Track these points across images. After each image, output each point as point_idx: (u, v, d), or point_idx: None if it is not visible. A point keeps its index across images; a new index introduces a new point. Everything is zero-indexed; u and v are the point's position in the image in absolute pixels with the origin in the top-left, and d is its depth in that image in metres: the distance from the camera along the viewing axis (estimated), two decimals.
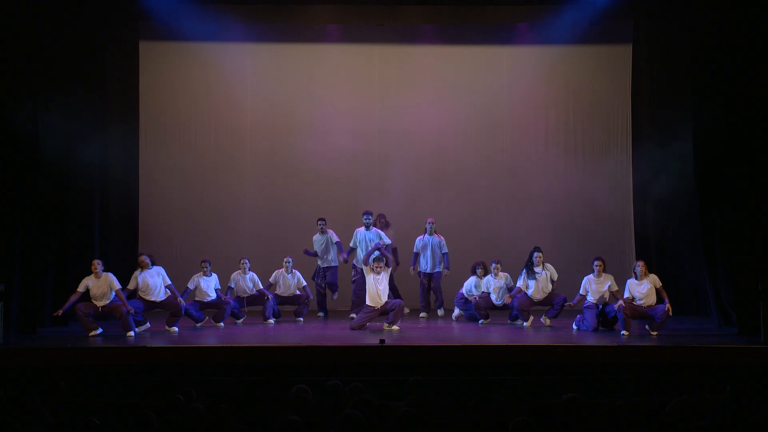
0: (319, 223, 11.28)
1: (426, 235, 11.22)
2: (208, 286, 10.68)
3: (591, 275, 10.10)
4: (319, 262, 11.37)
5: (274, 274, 11.15)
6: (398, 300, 10.23)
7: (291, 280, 11.07)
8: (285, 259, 11.12)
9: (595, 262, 10.09)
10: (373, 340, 8.74)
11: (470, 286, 10.81)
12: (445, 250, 11.21)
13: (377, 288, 10.02)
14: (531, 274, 10.39)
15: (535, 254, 10.46)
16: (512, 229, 12.49)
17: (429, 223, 11.23)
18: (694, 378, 5.90)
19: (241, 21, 12.04)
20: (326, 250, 11.31)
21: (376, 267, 10.00)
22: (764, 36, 9.74)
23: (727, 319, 10.15)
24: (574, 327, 10.05)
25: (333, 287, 11.33)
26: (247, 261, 10.93)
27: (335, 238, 11.26)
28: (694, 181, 10.53)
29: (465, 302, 10.83)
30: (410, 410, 4.94)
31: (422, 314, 11.30)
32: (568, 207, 12.54)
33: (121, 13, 11.43)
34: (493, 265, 10.82)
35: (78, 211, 10.87)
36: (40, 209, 10.16)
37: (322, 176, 12.55)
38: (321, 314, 11.31)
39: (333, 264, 11.33)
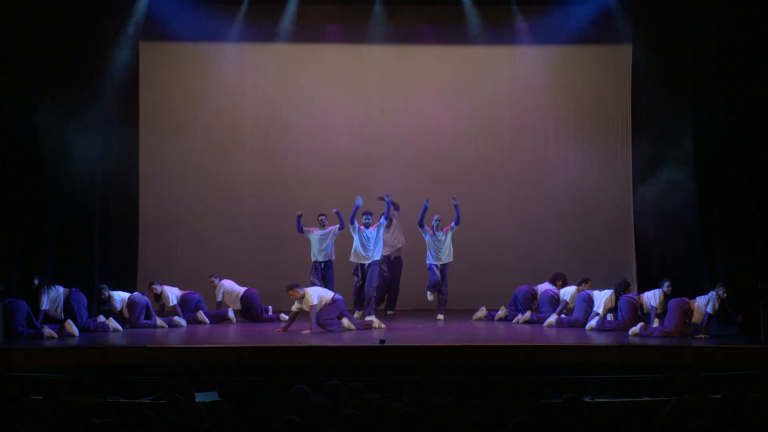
0: (320, 218, 11.04)
1: (434, 231, 11.01)
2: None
3: (657, 291, 9.89)
4: (319, 257, 11.04)
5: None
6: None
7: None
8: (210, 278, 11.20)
9: (666, 283, 9.88)
10: (373, 340, 8.74)
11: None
12: (458, 216, 11.00)
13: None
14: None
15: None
16: (512, 229, 12.49)
17: (435, 220, 11.01)
18: (694, 378, 5.89)
19: (241, 21, 12.03)
20: (325, 244, 11.05)
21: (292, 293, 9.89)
22: (764, 36, 9.75)
23: (727, 319, 10.14)
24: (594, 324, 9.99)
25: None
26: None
27: (330, 227, 11.05)
28: (694, 181, 10.53)
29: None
30: (410, 410, 4.94)
31: (439, 316, 11.03)
32: (568, 207, 12.51)
33: (121, 13, 11.41)
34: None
35: (78, 211, 10.86)
36: (40, 209, 10.16)
37: (321, 176, 12.52)
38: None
39: (332, 258, 11.07)
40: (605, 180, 12.39)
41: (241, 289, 11.13)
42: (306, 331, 9.71)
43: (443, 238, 10.98)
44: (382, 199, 11.05)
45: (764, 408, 5.30)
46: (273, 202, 12.58)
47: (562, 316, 10.47)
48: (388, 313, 11.39)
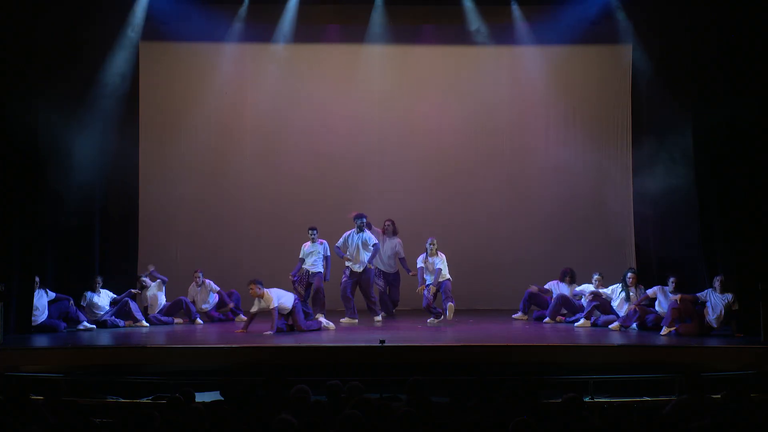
0: (310, 232, 10.78)
1: (427, 256, 10.53)
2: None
3: (666, 288, 10.06)
4: (305, 266, 10.81)
5: (190, 291, 11.23)
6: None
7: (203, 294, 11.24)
8: (195, 274, 11.26)
9: (671, 279, 10.03)
10: (373, 340, 8.75)
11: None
12: (439, 266, 10.41)
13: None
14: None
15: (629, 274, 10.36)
16: (512, 229, 12.50)
17: (429, 244, 10.53)
18: (694, 378, 5.90)
19: (241, 21, 12.02)
20: (313, 259, 10.82)
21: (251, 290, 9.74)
22: (764, 36, 9.74)
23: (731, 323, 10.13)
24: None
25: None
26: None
27: (327, 252, 10.81)
28: (694, 181, 10.52)
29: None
30: (410, 410, 4.95)
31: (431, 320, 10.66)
32: (568, 207, 12.53)
33: (121, 13, 11.40)
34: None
35: (78, 211, 10.86)
36: (39, 209, 10.16)
37: (321, 177, 12.54)
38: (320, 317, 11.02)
39: (318, 270, 10.80)
40: (605, 180, 12.40)
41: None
42: (267, 332, 9.64)
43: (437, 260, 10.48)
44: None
45: (764, 408, 5.31)
46: (272, 202, 12.59)
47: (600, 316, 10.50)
48: (381, 315, 11.16)
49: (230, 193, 12.61)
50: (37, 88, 10.10)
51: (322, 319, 10.23)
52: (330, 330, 10.04)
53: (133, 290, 10.93)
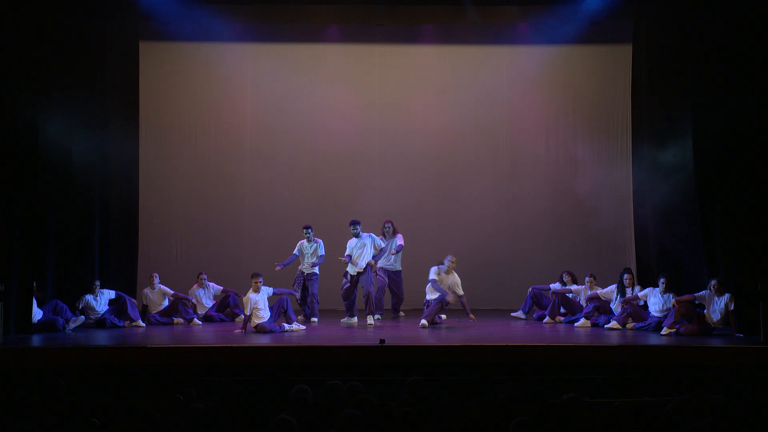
0: (305, 231, 10.89)
1: (443, 271, 10.44)
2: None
3: (656, 289, 10.17)
4: (301, 267, 10.98)
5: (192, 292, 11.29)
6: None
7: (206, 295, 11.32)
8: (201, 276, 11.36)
9: (661, 279, 10.15)
10: (373, 340, 8.75)
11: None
12: (459, 289, 10.38)
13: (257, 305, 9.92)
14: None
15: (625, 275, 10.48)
16: (512, 229, 12.50)
17: (448, 261, 10.41)
18: (694, 378, 5.89)
19: (241, 21, 12.03)
20: (311, 256, 10.98)
21: (254, 284, 9.96)
22: (764, 36, 9.74)
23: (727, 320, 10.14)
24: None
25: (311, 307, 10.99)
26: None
27: (321, 251, 10.90)
28: (694, 181, 10.53)
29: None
30: (410, 410, 4.95)
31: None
32: (568, 206, 12.53)
33: (121, 13, 11.41)
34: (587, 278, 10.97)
35: (78, 211, 10.87)
36: (40, 209, 10.17)
37: (321, 176, 12.57)
38: (314, 320, 10.91)
39: (313, 271, 10.94)
40: (605, 179, 12.40)
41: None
42: (237, 331, 9.92)
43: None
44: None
45: (764, 408, 5.30)
46: (273, 201, 12.61)
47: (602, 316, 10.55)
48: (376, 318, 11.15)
49: (230, 193, 12.62)
50: (38, 89, 10.09)
51: (292, 325, 10.13)
52: (300, 332, 10.03)
53: (133, 299, 10.93)
